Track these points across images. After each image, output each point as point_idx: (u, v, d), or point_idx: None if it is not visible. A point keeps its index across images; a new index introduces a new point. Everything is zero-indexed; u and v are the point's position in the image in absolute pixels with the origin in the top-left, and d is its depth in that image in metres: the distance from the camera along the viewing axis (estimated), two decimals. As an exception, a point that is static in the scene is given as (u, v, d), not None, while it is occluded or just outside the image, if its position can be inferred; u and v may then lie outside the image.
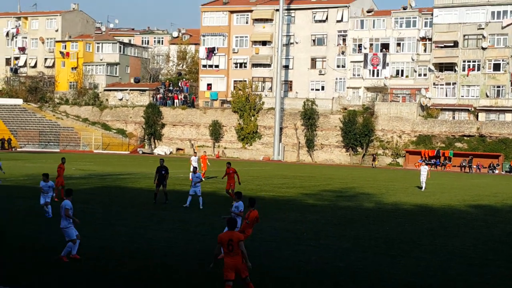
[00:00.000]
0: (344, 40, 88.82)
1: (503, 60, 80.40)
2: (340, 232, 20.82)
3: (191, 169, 39.97)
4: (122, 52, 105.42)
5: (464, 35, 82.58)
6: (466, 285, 14.01)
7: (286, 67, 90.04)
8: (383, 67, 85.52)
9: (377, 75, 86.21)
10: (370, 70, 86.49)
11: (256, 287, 12.93)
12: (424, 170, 41.33)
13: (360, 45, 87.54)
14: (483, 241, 20.28)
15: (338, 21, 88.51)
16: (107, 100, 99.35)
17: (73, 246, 14.80)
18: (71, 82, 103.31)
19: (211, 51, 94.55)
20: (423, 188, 40.27)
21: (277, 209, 27.01)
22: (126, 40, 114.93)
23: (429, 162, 77.07)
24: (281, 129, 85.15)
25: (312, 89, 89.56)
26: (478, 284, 14.17)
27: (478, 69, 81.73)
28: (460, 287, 13.87)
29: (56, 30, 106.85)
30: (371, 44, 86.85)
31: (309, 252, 17.10)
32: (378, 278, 14.25)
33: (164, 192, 27.21)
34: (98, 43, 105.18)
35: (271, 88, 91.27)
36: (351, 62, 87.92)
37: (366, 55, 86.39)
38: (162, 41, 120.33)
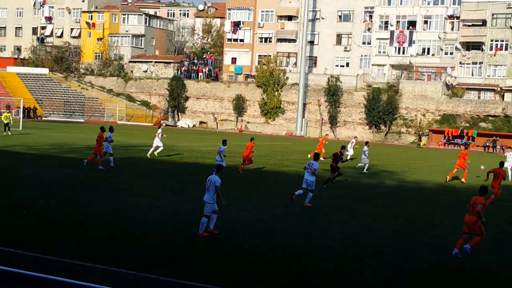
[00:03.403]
0: (370, 16, 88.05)
1: (532, 40, 79.32)
2: (361, 209, 20.94)
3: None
4: (147, 24, 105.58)
5: (493, 14, 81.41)
6: (489, 264, 14.09)
7: (311, 42, 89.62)
8: (409, 44, 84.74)
9: (403, 53, 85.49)
10: (396, 47, 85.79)
11: (274, 260, 13.16)
12: (510, 156, 36.74)
13: (386, 22, 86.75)
14: (508, 221, 20.28)
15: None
16: (131, 71, 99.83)
17: (211, 221, 15.06)
18: (96, 53, 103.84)
19: (236, 25, 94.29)
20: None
21: (298, 184, 27.16)
22: (151, 12, 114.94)
23: (452, 141, 76.75)
24: (304, 105, 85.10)
25: (337, 66, 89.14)
26: (501, 264, 14.23)
27: (506, 49, 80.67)
28: (481, 266, 13.94)
29: (83, 1, 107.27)
30: (397, 21, 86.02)
31: (329, 228, 17.26)
32: (398, 255, 14.38)
33: (332, 177, 26.80)
34: (124, 15, 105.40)
35: (295, 64, 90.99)
36: (377, 39, 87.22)
37: (392, 32, 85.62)
38: (188, 14, 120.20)
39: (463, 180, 32.45)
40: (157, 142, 34.97)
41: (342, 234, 16.41)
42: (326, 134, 54.12)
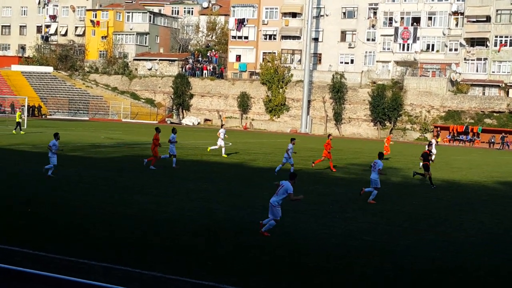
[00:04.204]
0: (374, 13, 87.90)
1: (536, 36, 79.00)
2: (367, 206, 20.88)
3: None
4: (152, 22, 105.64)
5: (497, 10, 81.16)
6: (492, 262, 14.02)
7: (316, 39, 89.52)
8: (414, 41, 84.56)
9: (407, 49, 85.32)
10: (400, 44, 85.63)
11: (276, 259, 13.13)
12: None
13: (391, 19, 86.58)
14: (509, 218, 20.20)
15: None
16: (136, 69, 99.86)
17: (271, 224, 15.07)
18: (101, 51, 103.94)
19: (240, 22, 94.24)
20: None
21: (304, 181, 27.12)
22: (156, 10, 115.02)
23: (458, 137, 76.55)
24: (309, 101, 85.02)
25: (341, 62, 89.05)
26: (505, 261, 14.16)
27: (511, 45, 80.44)
28: (486, 263, 13.88)
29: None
30: (402, 18, 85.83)
31: (334, 225, 17.20)
32: (404, 253, 14.31)
33: (428, 176, 27.44)
34: (128, 13, 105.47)
35: (300, 61, 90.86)
36: (381, 35, 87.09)
37: (396, 29, 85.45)
38: (192, 11, 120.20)
39: None
40: (220, 142, 36.87)
41: (346, 232, 16.35)
42: (391, 133, 53.17)
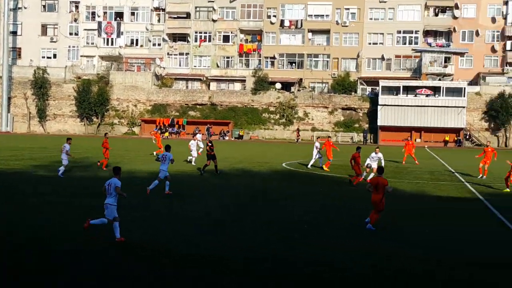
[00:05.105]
0: (76, 7, 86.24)
1: (231, 33, 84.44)
2: (73, 202, 20.21)
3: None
4: None
5: (196, 7, 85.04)
6: (187, 245, 14.44)
7: (14, 33, 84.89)
8: (118, 36, 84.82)
9: (112, 44, 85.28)
10: (104, 38, 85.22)
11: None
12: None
13: (93, 13, 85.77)
14: (216, 206, 21.13)
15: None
16: None
17: (115, 229, 14.49)
18: None
19: None
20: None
21: (3, 183, 25.42)
22: None
23: (165, 130, 78.70)
24: (9, 98, 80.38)
25: (44, 57, 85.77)
26: (204, 245, 14.69)
27: (209, 40, 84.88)
28: (184, 247, 14.25)
29: None
30: (105, 12, 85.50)
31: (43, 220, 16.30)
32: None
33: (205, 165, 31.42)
34: None
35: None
36: (85, 30, 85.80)
37: (100, 23, 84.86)
38: None
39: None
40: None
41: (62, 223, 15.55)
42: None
